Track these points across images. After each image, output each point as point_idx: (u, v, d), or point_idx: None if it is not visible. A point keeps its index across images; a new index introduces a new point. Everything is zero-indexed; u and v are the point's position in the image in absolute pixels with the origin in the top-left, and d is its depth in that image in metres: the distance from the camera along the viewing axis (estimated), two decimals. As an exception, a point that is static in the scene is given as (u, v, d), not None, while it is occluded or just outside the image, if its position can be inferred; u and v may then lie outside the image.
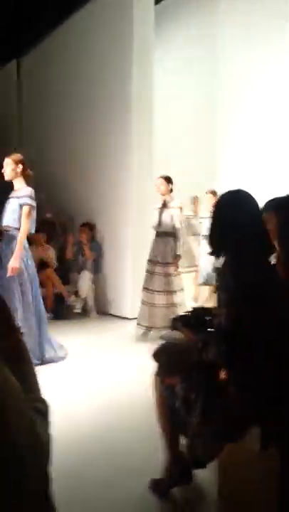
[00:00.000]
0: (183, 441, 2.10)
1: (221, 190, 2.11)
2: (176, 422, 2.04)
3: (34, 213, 4.34)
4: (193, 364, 1.83)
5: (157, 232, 5.39)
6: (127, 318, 6.12)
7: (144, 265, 5.40)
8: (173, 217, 5.27)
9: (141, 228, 6.35)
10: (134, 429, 2.95)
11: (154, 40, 6.65)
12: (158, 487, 2.22)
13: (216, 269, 5.84)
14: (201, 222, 6.43)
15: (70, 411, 3.23)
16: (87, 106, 7.28)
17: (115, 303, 6.52)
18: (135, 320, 5.44)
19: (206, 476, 2.20)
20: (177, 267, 5.31)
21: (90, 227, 6.86)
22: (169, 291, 5.24)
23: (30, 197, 4.28)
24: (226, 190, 2.03)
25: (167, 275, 5.25)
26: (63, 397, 3.49)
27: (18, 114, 9.43)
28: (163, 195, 5.34)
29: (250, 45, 7.14)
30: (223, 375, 1.76)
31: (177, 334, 2.22)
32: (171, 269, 5.25)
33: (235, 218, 1.86)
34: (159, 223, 5.35)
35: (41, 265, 6.54)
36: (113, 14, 6.73)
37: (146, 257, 5.38)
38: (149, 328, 5.25)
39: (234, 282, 1.71)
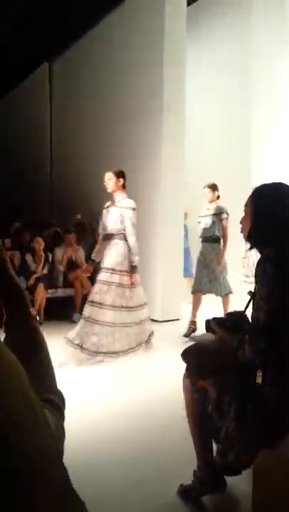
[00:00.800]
0: (215, 446, 2.01)
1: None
2: (207, 427, 1.95)
3: None
4: (227, 365, 1.74)
5: (103, 235, 4.67)
6: (157, 321, 6.05)
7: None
8: (123, 217, 4.45)
9: (170, 230, 6.28)
10: (161, 430, 2.87)
11: (186, 38, 6.59)
12: (187, 494, 2.13)
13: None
14: (199, 222, 5.59)
15: (90, 410, 3.19)
16: (117, 108, 7.27)
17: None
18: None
19: (239, 484, 2.09)
20: (131, 278, 4.47)
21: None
22: (125, 307, 4.44)
23: None
24: (262, 184, 1.94)
25: (120, 286, 4.42)
26: (82, 399, 3.45)
27: (50, 116, 9.54)
28: (113, 192, 4.56)
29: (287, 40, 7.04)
30: (259, 376, 1.66)
31: (209, 336, 2.12)
32: (124, 279, 4.44)
33: (281, 210, 1.78)
34: (103, 225, 4.62)
35: (71, 265, 6.55)
36: (144, 19, 6.70)
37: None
38: (81, 348, 4.31)
39: (279, 275, 1.62)
